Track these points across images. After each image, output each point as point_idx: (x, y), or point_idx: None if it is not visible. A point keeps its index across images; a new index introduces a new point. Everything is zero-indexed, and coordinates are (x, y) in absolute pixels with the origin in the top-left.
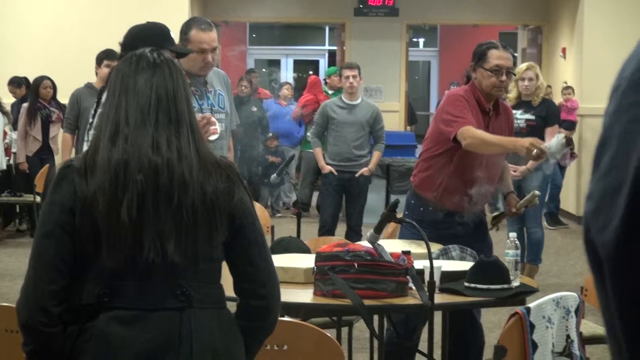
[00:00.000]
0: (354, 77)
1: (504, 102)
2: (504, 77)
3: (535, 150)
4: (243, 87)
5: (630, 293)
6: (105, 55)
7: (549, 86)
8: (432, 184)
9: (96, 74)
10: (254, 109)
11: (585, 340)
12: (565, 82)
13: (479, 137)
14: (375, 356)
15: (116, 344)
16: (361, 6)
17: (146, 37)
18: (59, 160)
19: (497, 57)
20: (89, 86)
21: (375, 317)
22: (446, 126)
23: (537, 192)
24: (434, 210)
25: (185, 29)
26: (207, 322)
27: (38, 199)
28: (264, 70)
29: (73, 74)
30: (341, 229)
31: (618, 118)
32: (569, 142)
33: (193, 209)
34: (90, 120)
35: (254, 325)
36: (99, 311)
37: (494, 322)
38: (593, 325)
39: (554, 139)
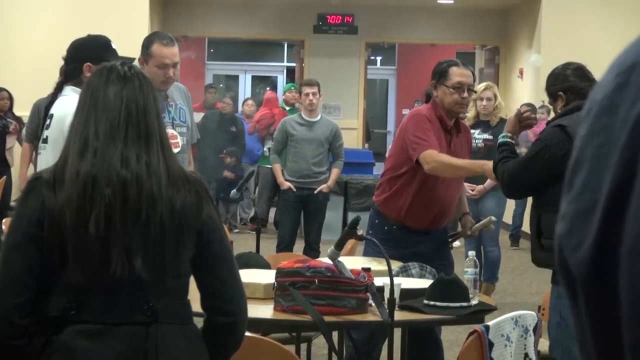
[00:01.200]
0: (313, 94)
1: (463, 122)
2: (465, 94)
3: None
4: (226, 105)
5: (603, 312)
6: None
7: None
8: (396, 203)
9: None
10: (233, 129)
11: (543, 359)
12: (543, 102)
13: (445, 162)
14: None
15: (81, 358)
16: (320, 23)
17: (88, 49)
18: (15, 172)
19: (458, 74)
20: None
21: (335, 334)
22: (409, 148)
23: (493, 218)
24: (397, 229)
25: (147, 43)
26: (173, 338)
27: None
28: (221, 85)
29: (32, 84)
30: (299, 245)
31: (589, 141)
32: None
33: (161, 224)
34: (40, 133)
35: (221, 341)
36: (64, 324)
37: (451, 340)
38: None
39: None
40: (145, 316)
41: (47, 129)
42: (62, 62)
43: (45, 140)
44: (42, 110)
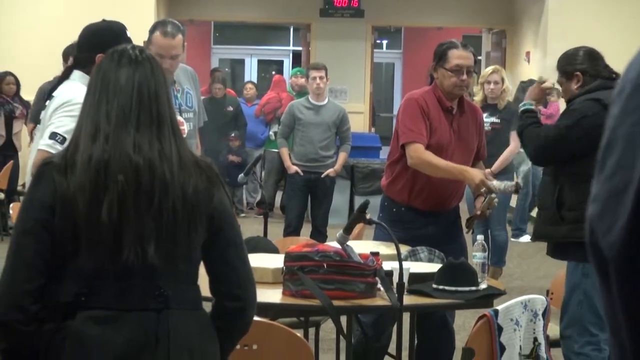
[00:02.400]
0: (320, 78)
1: (471, 102)
2: (464, 76)
3: (483, 188)
4: (217, 90)
5: (637, 295)
6: (71, 51)
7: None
8: (399, 187)
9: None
10: (230, 108)
11: (551, 344)
12: (553, 84)
13: (426, 160)
14: (342, 357)
15: (92, 344)
16: (327, 7)
17: (102, 39)
18: (22, 157)
19: (457, 56)
20: (56, 79)
21: (344, 318)
22: (399, 136)
23: (493, 195)
24: (405, 211)
25: (152, 29)
26: (184, 323)
27: (2, 196)
28: (226, 69)
29: (38, 69)
30: (306, 229)
31: (623, 120)
32: (517, 190)
33: (173, 211)
34: (41, 117)
35: (229, 325)
36: (76, 310)
37: (458, 325)
38: (558, 329)
39: (504, 183)
40: (157, 302)
41: (44, 110)
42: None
43: (39, 122)
44: (47, 94)
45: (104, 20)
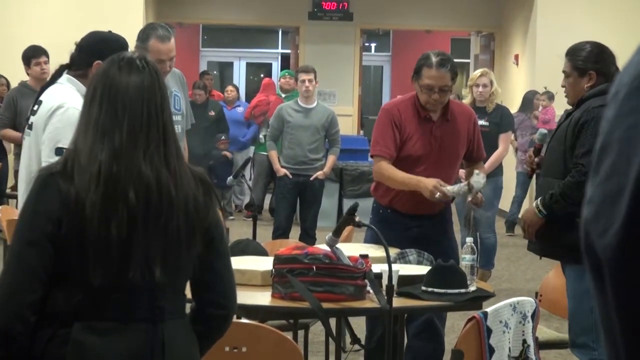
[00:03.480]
0: (309, 80)
1: (462, 106)
2: (435, 95)
3: (437, 193)
4: (198, 96)
5: (631, 297)
6: (32, 54)
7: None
8: (383, 190)
9: (27, 73)
10: (212, 112)
11: (541, 345)
12: (545, 87)
13: (385, 175)
14: (332, 359)
15: (90, 354)
16: (315, 10)
17: (106, 49)
18: (11, 160)
19: (428, 76)
20: (23, 85)
21: (333, 320)
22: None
23: (471, 183)
24: (391, 213)
25: (144, 37)
26: (177, 333)
27: None
28: (215, 72)
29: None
30: (295, 232)
31: (618, 123)
32: (470, 190)
33: (178, 227)
34: (28, 116)
35: (210, 331)
36: (73, 320)
37: (448, 327)
38: (547, 331)
39: (458, 186)
40: (154, 314)
41: (33, 115)
42: (58, 50)
43: (30, 127)
44: (17, 100)
45: (110, 32)
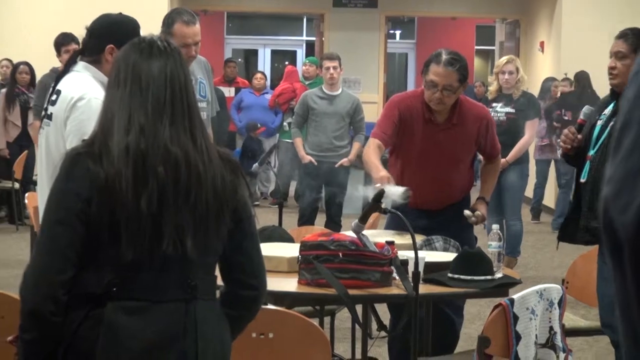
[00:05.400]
0: (334, 68)
1: (475, 108)
2: (438, 94)
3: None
4: None
5: None
6: (62, 41)
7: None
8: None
9: (60, 61)
10: None
11: (567, 332)
12: (566, 74)
13: (365, 153)
14: (358, 345)
15: (124, 333)
16: None
17: (116, 31)
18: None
19: (434, 72)
20: (55, 71)
21: (359, 307)
22: None
23: (467, 212)
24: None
25: (169, 21)
26: (209, 313)
27: (17, 185)
28: (240, 60)
29: (44, 60)
30: (320, 219)
31: (638, 103)
32: (406, 196)
33: (207, 203)
34: (45, 106)
35: (241, 313)
36: (106, 300)
37: (473, 314)
38: (574, 318)
39: (399, 189)
40: (186, 293)
41: (52, 104)
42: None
43: (49, 117)
44: (49, 87)
45: (120, 14)
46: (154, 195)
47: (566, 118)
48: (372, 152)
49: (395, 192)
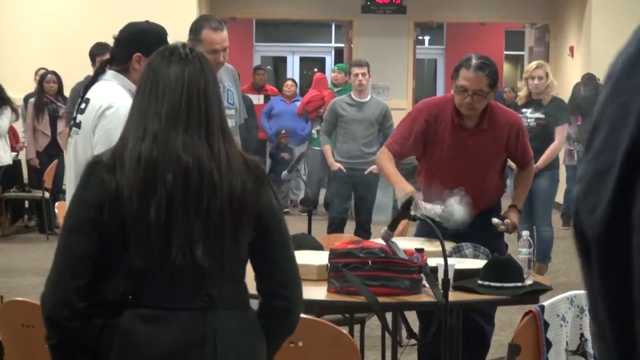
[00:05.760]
0: (363, 74)
1: (506, 114)
2: (468, 99)
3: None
4: None
5: (616, 275)
6: (96, 51)
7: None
8: (422, 186)
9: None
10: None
11: None
12: (598, 79)
13: (380, 163)
14: (388, 353)
15: (140, 342)
16: (369, 3)
17: (144, 39)
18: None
19: (464, 77)
20: (88, 79)
21: (389, 315)
22: None
23: (495, 220)
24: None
25: (197, 28)
26: (231, 323)
27: (47, 195)
28: (268, 67)
29: (74, 68)
30: (350, 226)
31: (611, 102)
32: (442, 218)
33: (221, 211)
34: (74, 114)
35: (275, 325)
36: (123, 308)
37: (504, 321)
38: None
39: (431, 206)
40: (203, 302)
41: (81, 113)
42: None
43: (78, 125)
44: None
45: (147, 21)
46: (162, 203)
47: (578, 123)
48: (387, 160)
49: (430, 209)
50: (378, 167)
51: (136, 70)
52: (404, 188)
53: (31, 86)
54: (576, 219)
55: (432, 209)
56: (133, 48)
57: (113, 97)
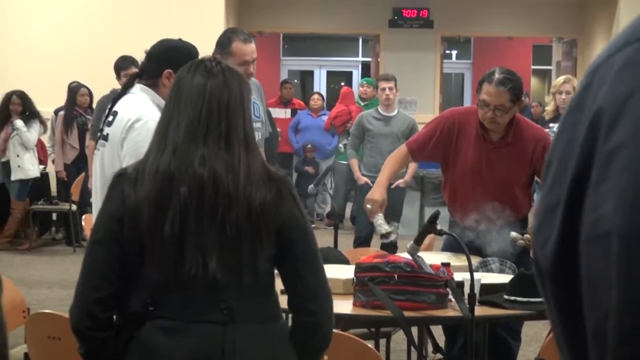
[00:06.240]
0: (390, 89)
1: (533, 130)
2: (490, 114)
3: (368, 206)
4: None
5: (567, 303)
6: (121, 65)
7: None
8: (446, 197)
9: (120, 84)
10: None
11: None
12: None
13: (387, 159)
14: None
15: (159, 352)
16: (396, 18)
17: (175, 56)
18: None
19: (486, 91)
20: (114, 93)
21: (414, 329)
22: None
23: (514, 234)
24: (453, 222)
25: (227, 41)
26: (253, 337)
27: (74, 207)
28: (295, 81)
29: (102, 82)
30: (375, 240)
31: (560, 138)
32: (386, 237)
33: (237, 224)
34: (102, 127)
35: (305, 340)
36: (145, 319)
37: (530, 336)
38: None
39: (379, 226)
40: (223, 315)
41: (108, 125)
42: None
43: (105, 138)
44: (107, 108)
45: (180, 39)
46: (176, 216)
47: None
48: (392, 157)
49: (377, 228)
50: (385, 161)
51: (165, 86)
52: (373, 194)
53: (58, 99)
54: (534, 252)
55: (379, 228)
56: (164, 64)
57: (142, 110)
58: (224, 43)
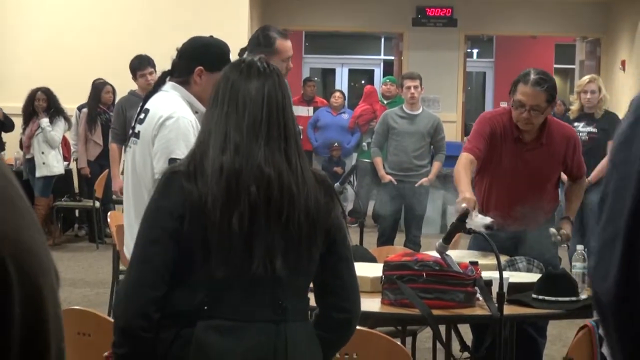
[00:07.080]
0: (415, 87)
1: (563, 129)
2: (526, 114)
3: (463, 205)
4: None
5: (631, 335)
6: (137, 66)
7: None
8: (479, 199)
9: (137, 85)
10: None
11: None
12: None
13: (457, 168)
14: None
15: (213, 353)
16: (419, 16)
17: (207, 54)
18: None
19: (522, 92)
20: (132, 94)
21: (442, 327)
22: None
23: (552, 230)
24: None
25: (269, 40)
26: (300, 335)
27: (97, 204)
28: (317, 79)
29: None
30: (399, 238)
31: (612, 174)
32: (490, 228)
33: (299, 224)
34: (133, 124)
35: (333, 336)
36: (196, 319)
37: (554, 335)
38: None
39: (482, 219)
40: (276, 314)
41: (140, 123)
42: (161, 59)
43: (137, 135)
44: (126, 109)
45: (211, 37)
46: (245, 214)
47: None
48: (463, 167)
49: (479, 221)
50: (454, 172)
51: (197, 83)
52: (464, 193)
53: (81, 96)
54: (593, 289)
55: (482, 220)
56: (196, 61)
57: (173, 108)
58: (266, 42)
